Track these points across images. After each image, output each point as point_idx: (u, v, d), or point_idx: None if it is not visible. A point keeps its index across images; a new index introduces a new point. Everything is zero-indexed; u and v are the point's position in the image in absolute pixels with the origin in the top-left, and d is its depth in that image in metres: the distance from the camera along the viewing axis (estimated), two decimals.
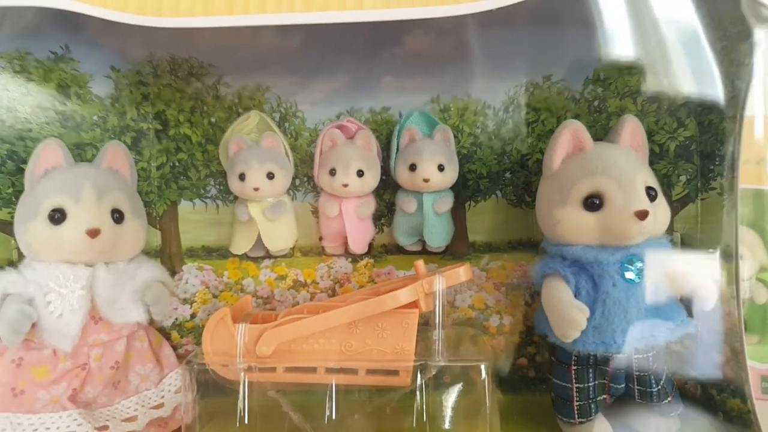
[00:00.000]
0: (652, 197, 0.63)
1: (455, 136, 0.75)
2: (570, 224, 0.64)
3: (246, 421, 0.64)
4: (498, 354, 0.77)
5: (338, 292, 0.78)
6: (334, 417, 0.65)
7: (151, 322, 0.74)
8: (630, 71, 0.72)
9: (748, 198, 0.78)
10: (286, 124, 0.78)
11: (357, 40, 0.74)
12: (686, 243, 0.71)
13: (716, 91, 0.65)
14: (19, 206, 0.67)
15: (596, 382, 0.66)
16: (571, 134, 0.65)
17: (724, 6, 0.62)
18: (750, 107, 0.64)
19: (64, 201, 0.65)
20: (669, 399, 0.66)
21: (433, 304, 0.66)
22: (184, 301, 0.78)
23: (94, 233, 0.64)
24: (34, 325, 0.63)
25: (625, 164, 0.63)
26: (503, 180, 0.77)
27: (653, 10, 0.67)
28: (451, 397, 0.65)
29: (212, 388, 0.66)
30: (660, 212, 0.64)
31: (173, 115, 0.77)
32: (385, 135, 0.77)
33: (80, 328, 0.64)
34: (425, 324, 0.67)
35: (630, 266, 0.62)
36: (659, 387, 0.65)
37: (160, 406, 0.70)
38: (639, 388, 0.66)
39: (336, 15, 0.59)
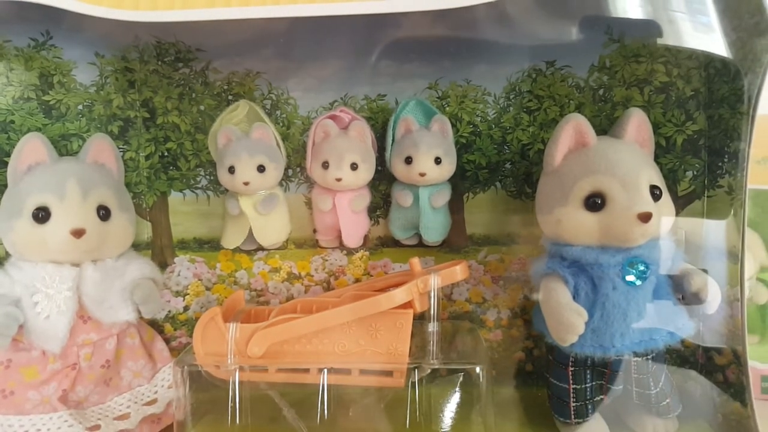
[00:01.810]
0: (657, 196, 0.60)
1: (453, 125, 0.72)
2: (570, 224, 0.61)
3: (237, 422, 0.64)
4: (494, 348, 0.76)
5: (333, 285, 0.76)
6: (327, 415, 0.64)
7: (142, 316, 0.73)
8: (637, 59, 0.68)
9: (749, 198, 0.76)
10: (278, 112, 0.75)
11: (351, 22, 0.71)
12: (691, 241, 0.68)
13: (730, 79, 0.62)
14: (3, 203, 0.65)
15: (594, 383, 0.65)
16: (574, 129, 0.62)
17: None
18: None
19: (48, 199, 0.63)
20: (667, 400, 0.65)
21: (428, 303, 0.64)
22: (177, 294, 0.77)
23: (78, 233, 0.62)
24: (21, 326, 0.62)
25: (629, 162, 0.60)
26: (503, 171, 0.74)
27: None
28: (446, 395, 0.65)
29: (204, 385, 0.65)
30: (665, 211, 0.61)
31: (161, 103, 0.74)
32: (381, 123, 0.74)
33: (68, 330, 0.63)
34: (420, 317, 0.65)
35: (631, 269, 0.60)
36: (658, 389, 0.64)
37: (153, 402, 0.70)
38: (637, 389, 0.65)
39: (325, 8, 0.56)
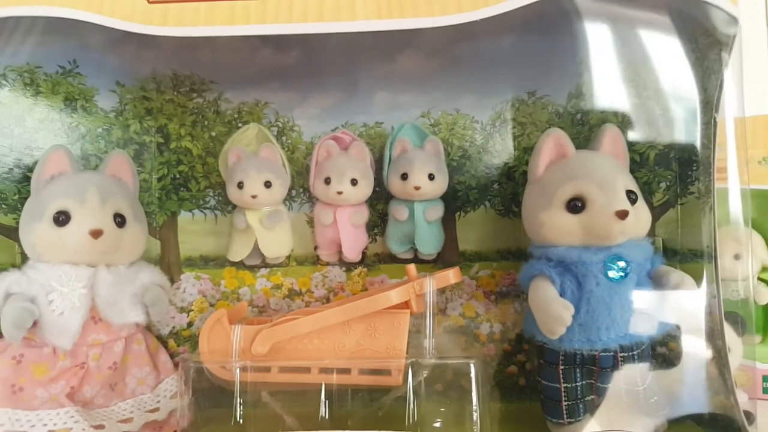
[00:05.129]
0: (633, 200, 0.66)
1: (445, 149, 0.79)
2: (554, 226, 0.66)
3: (240, 420, 0.65)
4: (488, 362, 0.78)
5: (332, 301, 0.80)
6: (327, 418, 0.66)
7: (149, 328, 0.76)
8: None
9: (748, 198, 0.82)
10: (284, 138, 0.81)
11: (351, 58, 0.78)
12: (668, 247, 0.73)
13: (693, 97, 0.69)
14: (25, 209, 0.69)
15: (584, 382, 0.67)
16: (554, 142, 0.69)
17: (695, 20, 0.66)
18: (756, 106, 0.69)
19: (69, 204, 0.67)
20: (655, 398, 0.67)
21: (424, 305, 0.68)
22: (182, 310, 0.80)
23: (96, 234, 0.66)
24: (35, 324, 0.65)
25: (605, 169, 0.66)
26: (491, 191, 0.79)
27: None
28: (441, 398, 0.67)
29: (207, 392, 0.67)
30: (641, 215, 0.67)
31: (175, 129, 0.80)
32: (378, 148, 0.80)
33: (80, 326, 0.65)
34: (417, 332, 0.69)
35: (612, 265, 0.64)
36: (645, 385, 0.66)
37: (156, 410, 0.71)
38: (625, 387, 0.67)
39: (330, 26, 0.63)
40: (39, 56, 0.74)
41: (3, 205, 0.74)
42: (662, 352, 0.73)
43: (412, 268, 0.70)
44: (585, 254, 0.65)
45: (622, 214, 0.63)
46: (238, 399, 0.65)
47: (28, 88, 0.75)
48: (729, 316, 0.68)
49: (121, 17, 0.62)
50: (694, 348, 0.69)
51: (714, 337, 0.66)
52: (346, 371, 0.66)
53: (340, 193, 0.74)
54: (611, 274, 0.64)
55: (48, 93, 0.76)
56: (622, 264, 0.64)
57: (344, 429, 0.67)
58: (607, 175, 0.66)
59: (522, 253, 0.77)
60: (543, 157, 0.69)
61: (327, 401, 0.66)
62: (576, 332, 0.64)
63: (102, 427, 0.66)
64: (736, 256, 0.85)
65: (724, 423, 0.66)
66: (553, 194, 0.66)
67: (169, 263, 0.80)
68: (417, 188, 0.74)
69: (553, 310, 0.63)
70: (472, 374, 0.65)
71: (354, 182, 0.75)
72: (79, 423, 0.64)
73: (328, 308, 0.72)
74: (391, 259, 0.80)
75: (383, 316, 0.67)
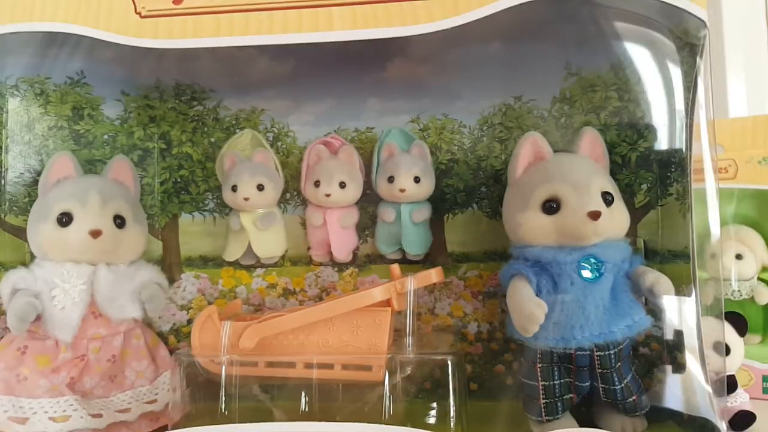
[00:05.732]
0: (609, 201, 0.67)
1: (433, 154, 0.81)
2: (530, 227, 0.68)
3: (226, 412, 0.68)
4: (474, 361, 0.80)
5: (324, 300, 0.83)
6: (311, 411, 0.69)
7: (150, 324, 0.80)
8: (593, 89, 0.77)
9: (748, 198, 0.82)
10: (279, 143, 0.84)
11: (344, 66, 0.81)
12: (650, 248, 0.74)
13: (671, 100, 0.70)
14: (32, 211, 0.74)
15: (562, 380, 0.68)
16: (532, 144, 0.70)
17: (670, 25, 0.67)
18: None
19: (72, 206, 0.72)
20: (634, 398, 0.67)
21: (405, 303, 0.70)
22: (182, 308, 0.84)
23: (96, 234, 0.70)
24: (39, 317, 0.69)
25: (581, 171, 0.68)
26: (479, 193, 0.81)
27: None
28: (420, 392, 0.69)
29: (199, 384, 0.70)
30: (617, 216, 0.68)
31: (176, 136, 0.84)
32: (369, 152, 0.83)
33: (80, 319, 0.70)
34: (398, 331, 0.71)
35: (587, 265, 0.66)
36: (622, 385, 0.67)
37: (154, 401, 0.75)
38: (603, 386, 0.68)
39: (324, 35, 0.65)
40: (48, 67, 0.79)
41: (14, 208, 0.79)
42: (644, 352, 0.74)
43: (395, 267, 0.72)
44: (560, 254, 0.66)
45: (595, 215, 0.64)
46: (223, 390, 0.68)
47: (38, 97, 0.80)
48: None
49: (116, 31, 0.65)
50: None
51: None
52: (329, 366, 0.69)
53: (328, 195, 0.77)
54: (585, 273, 0.66)
55: (57, 102, 0.81)
56: (596, 264, 0.66)
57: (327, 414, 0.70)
58: (582, 176, 0.67)
59: (508, 253, 0.79)
60: (521, 160, 0.71)
61: (313, 395, 0.69)
62: (551, 331, 0.65)
63: (100, 415, 0.70)
64: (738, 256, 0.86)
65: (701, 424, 0.66)
66: (529, 196, 0.68)
67: (171, 263, 0.84)
68: (402, 191, 0.77)
69: (526, 309, 0.64)
70: (449, 370, 0.67)
71: (342, 185, 0.78)
72: (77, 411, 0.68)
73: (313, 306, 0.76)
74: (382, 259, 0.83)
75: (365, 313, 0.70)
